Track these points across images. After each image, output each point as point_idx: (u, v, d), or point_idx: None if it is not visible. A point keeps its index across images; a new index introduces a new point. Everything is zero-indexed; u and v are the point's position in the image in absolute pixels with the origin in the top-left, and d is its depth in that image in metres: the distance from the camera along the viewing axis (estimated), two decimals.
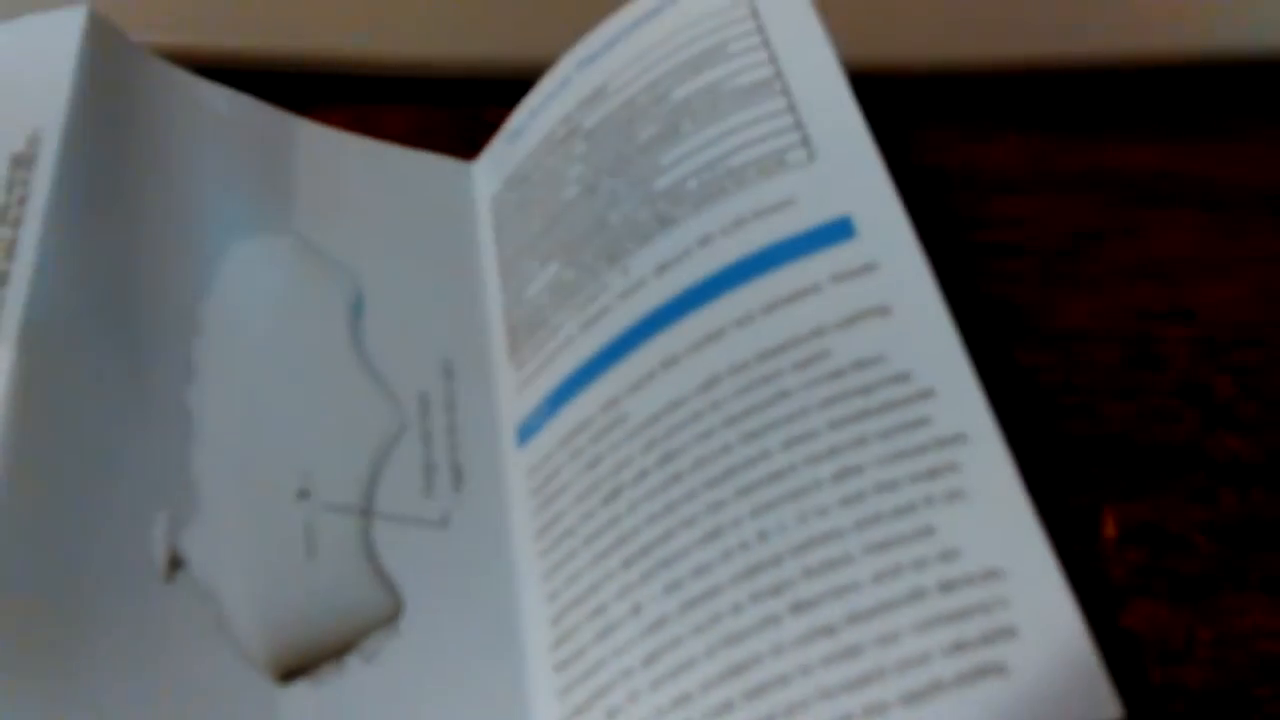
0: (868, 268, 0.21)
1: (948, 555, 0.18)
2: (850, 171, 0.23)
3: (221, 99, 0.28)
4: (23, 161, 0.23)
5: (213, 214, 0.26)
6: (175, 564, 0.20)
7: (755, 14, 0.26)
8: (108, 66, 0.26)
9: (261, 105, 0.28)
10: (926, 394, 0.19)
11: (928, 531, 0.18)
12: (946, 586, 0.17)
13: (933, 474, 0.19)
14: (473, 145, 0.30)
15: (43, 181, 0.23)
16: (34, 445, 0.19)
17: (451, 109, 0.31)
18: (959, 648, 0.17)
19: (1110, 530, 0.22)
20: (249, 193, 0.26)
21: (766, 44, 0.25)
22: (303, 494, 0.22)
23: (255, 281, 0.25)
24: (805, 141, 0.23)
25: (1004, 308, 0.26)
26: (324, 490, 0.22)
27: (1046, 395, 0.25)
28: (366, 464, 0.23)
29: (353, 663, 0.21)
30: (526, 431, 0.24)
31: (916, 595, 0.18)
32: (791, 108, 0.24)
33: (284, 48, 0.31)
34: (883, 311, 0.21)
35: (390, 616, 0.21)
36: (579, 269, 0.25)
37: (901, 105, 0.30)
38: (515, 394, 0.25)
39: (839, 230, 0.22)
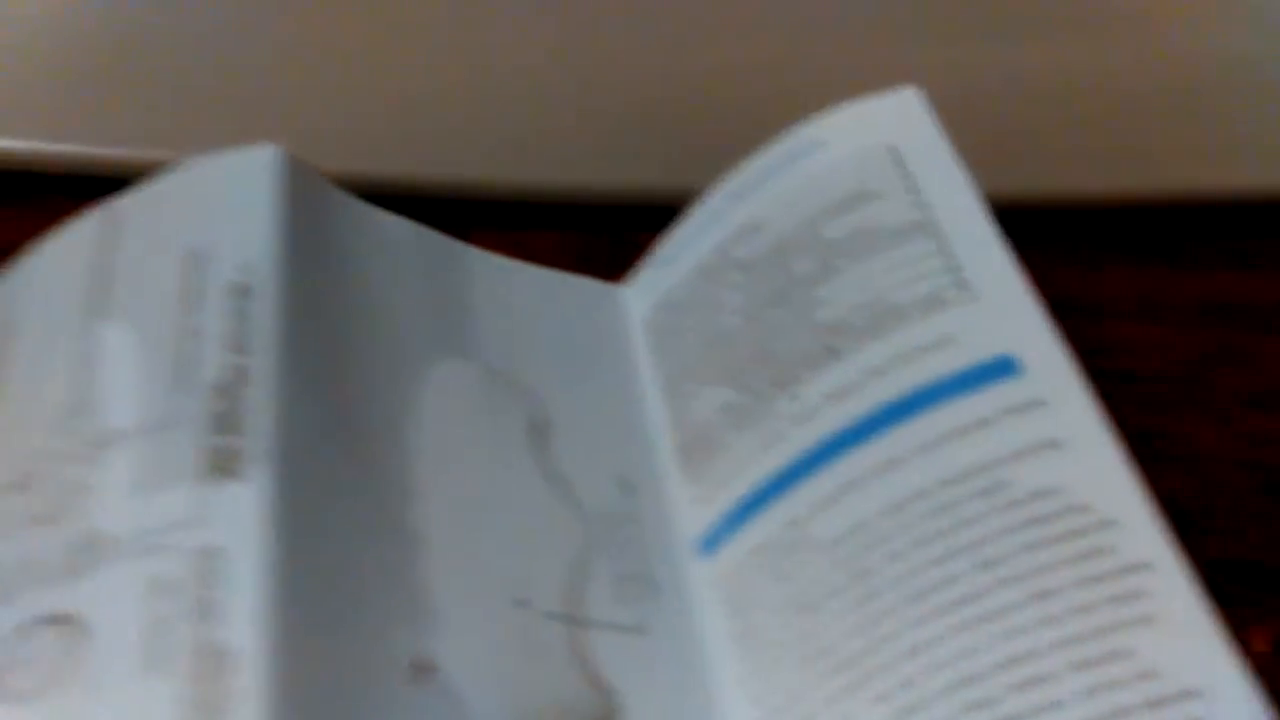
0: (1035, 404, 0.23)
1: (1146, 675, 0.20)
2: (1008, 311, 0.25)
3: (400, 228, 0.30)
4: (240, 292, 0.26)
5: (406, 339, 0.28)
6: (419, 669, 0.22)
7: (899, 161, 0.28)
8: (302, 198, 0.28)
9: (433, 233, 0.30)
10: (1109, 524, 0.21)
11: (1126, 653, 0.20)
12: (1151, 704, 0.19)
13: (1123, 599, 0.20)
14: (614, 268, 0.32)
15: (264, 310, 0.25)
16: (295, 562, 0.21)
17: (595, 233, 0.34)
18: None
19: (1261, 645, 0.24)
20: (433, 318, 0.29)
21: (913, 189, 0.28)
22: (519, 602, 0.24)
23: (449, 405, 0.27)
24: (961, 282, 0.26)
25: (1135, 434, 0.28)
26: (538, 599, 0.24)
27: (1184, 519, 0.27)
28: (566, 575, 0.25)
29: None
30: (709, 544, 0.26)
31: (1121, 713, 0.19)
32: (943, 249, 0.26)
33: (444, 175, 0.33)
34: (1055, 445, 0.23)
35: (606, 718, 0.23)
36: (748, 394, 0.27)
37: (1016, 235, 0.33)
38: (690, 508, 0.26)
39: (1002, 368, 0.24)
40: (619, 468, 0.27)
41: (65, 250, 0.28)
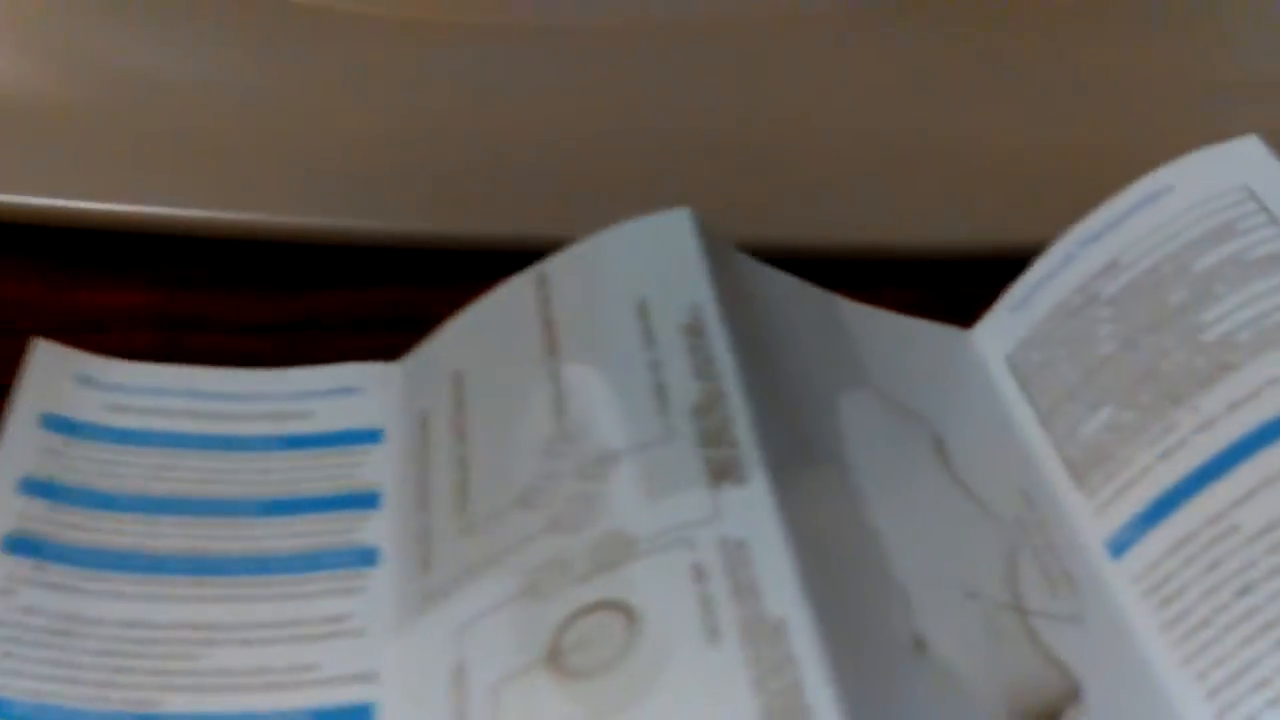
0: None
1: None
2: None
3: (784, 278, 0.33)
4: (694, 330, 0.29)
5: (815, 370, 0.31)
6: (919, 645, 0.24)
7: (1256, 198, 0.31)
8: (717, 253, 0.31)
9: (808, 284, 0.34)
10: None
11: None
12: None
13: None
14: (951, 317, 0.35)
15: (717, 344, 0.28)
16: (806, 549, 0.24)
17: (929, 288, 0.37)
18: None
19: None
20: (829, 354, 0.32)
21: (1275, 221, 0.30)
22: (971, 594, 0.27)
23: (866, 426, 0.30)
24: None
25: None
26: (985, 591, 0.27)
27: None
28: (1002, 571, 0.28)
29: None
30: (1120, 546, 0.28)
31: None
32: None
33: (799, 237, 0.37)
34: None
35: (1074, 694, 0.25)
36: (1138, 411, 0.29)
37: None
38: (1093, 517, 0.29)
39: None
40: (1019, 485, 0.30)
41: (504, 308, 0.32)
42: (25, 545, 0.29)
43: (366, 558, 0.29)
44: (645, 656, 0.23)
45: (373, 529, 0.30)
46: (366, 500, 0.31)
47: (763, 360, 0.29)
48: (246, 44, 0.39)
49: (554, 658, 0.24)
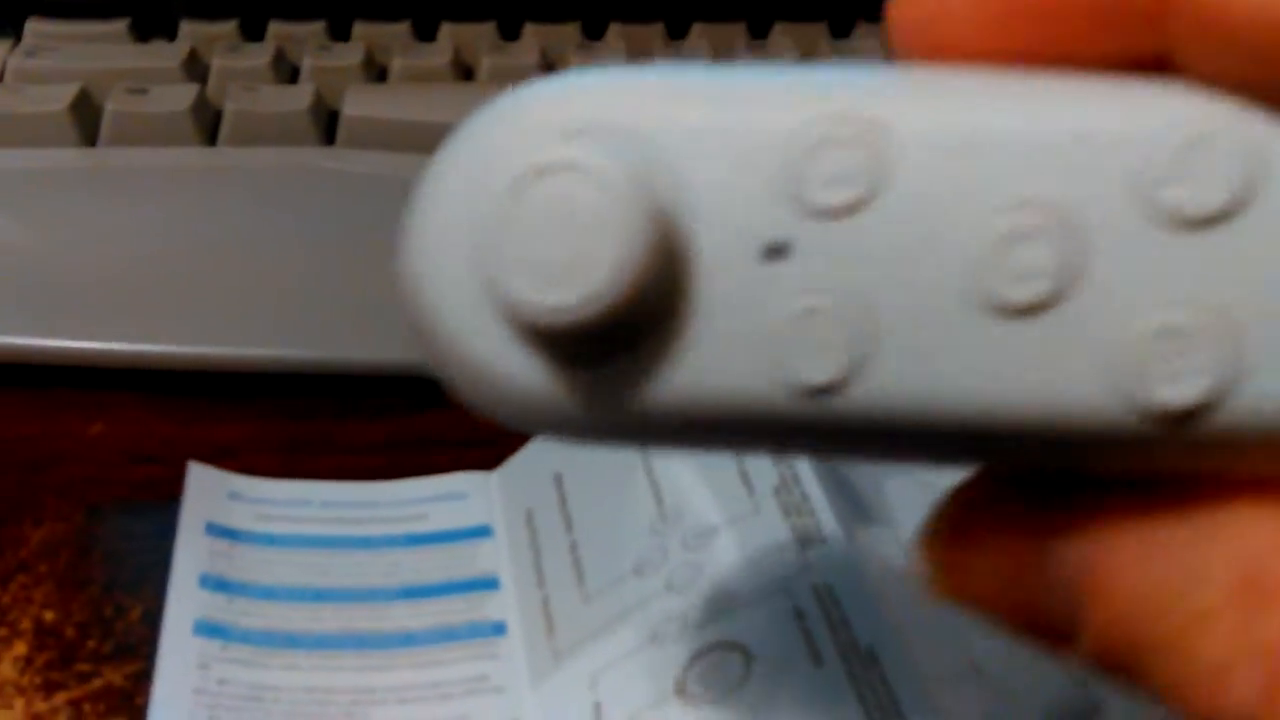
0: None
1: None
2: None
3: None
4: None
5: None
6: (976, 668, 0.30)
7: None
8: None
9: None
10: None
11: None
12: None
13: None
14: None
15: None
16: (873, 590, 0.30)
17: None
18: None
19: None
20: None
21: None
22: None
23: (909, 501, 0.36)
24: None
25: None
26: None
27: None
28: None
29: None
30: None
31: None
32: None
33: None
34: None
35: (1096, 709, 0.31)
36: None
37: None
38: None
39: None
40: None
41: None
42: (211, 629, 0.34)
43: (496, 629, 0.35)
44: (763, 681, 0.29)
45: (496, 606, 0.36)
46: (487, 584, 0.36)
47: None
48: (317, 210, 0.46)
49: (682, 690, 0.30)
